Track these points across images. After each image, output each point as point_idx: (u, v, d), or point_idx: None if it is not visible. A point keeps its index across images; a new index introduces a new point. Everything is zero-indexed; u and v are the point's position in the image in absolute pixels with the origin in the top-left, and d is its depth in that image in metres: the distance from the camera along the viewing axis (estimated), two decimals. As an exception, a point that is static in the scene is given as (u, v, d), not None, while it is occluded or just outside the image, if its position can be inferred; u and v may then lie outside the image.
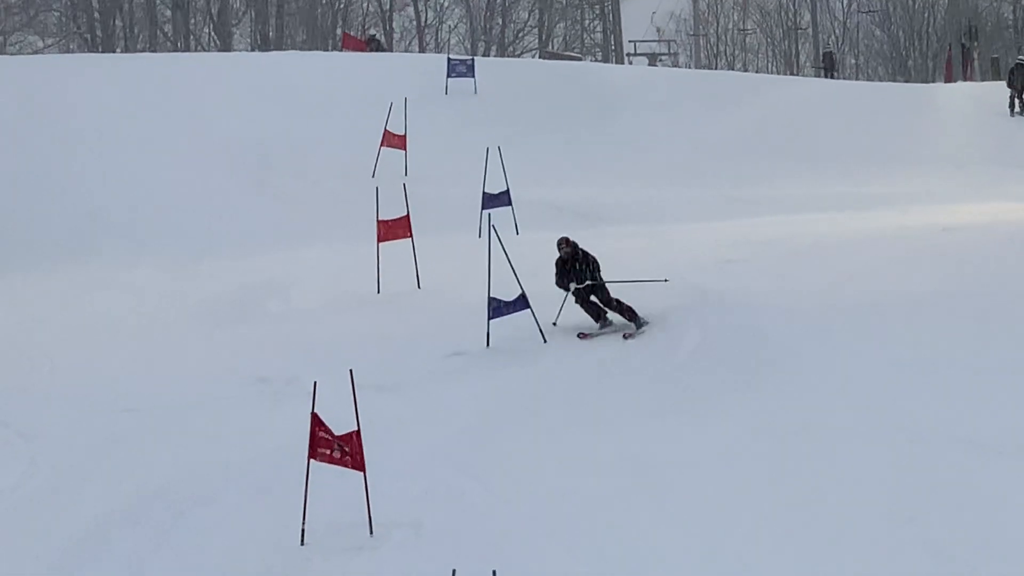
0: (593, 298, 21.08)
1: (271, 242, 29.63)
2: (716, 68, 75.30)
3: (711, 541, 13.83)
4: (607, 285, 21.04)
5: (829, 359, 18.58)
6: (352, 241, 27.67)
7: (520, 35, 76.02)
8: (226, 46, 68.11)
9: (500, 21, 75.01)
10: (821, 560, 13.34)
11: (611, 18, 76.74)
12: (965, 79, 56.38)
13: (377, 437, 15.41)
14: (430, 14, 75.28)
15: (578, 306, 21.13)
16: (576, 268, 21.08)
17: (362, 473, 14.38)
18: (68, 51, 65.91)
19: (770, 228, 28.57)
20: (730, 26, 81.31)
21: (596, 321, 20.99)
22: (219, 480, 16.38)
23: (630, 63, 72.67)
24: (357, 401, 14.37)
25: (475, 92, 40.68)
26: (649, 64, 72.49)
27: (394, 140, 33.87)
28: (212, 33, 70.72)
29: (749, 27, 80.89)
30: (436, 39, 75.00)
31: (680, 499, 14.82)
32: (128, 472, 16.89)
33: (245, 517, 15.27)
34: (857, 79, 71.11)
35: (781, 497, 14.59)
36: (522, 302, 20.65)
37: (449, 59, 42.58)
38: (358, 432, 14.36)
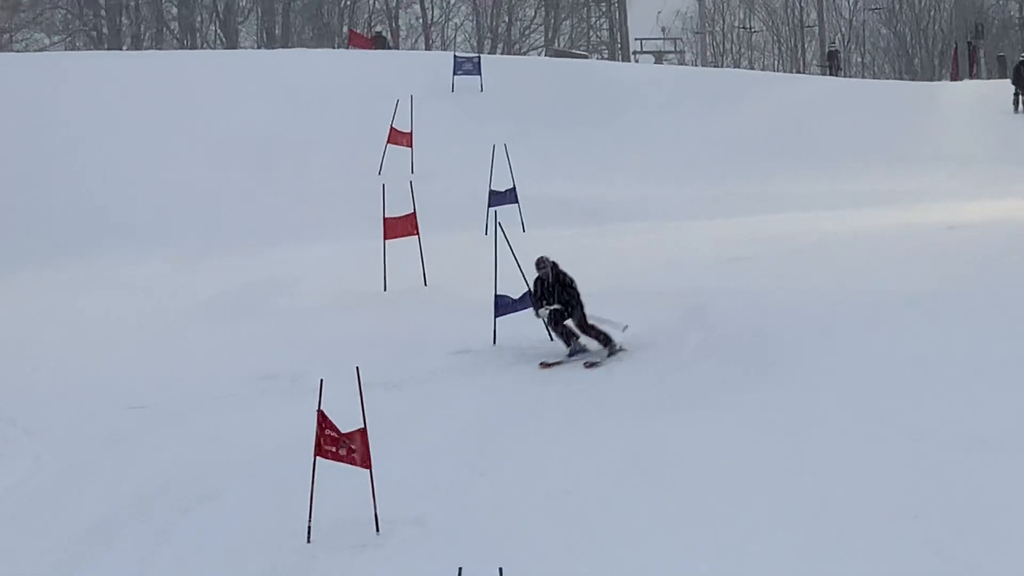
0: (569, 322, 19.98)
1: (276, 239, 29.67)
2: (722, 66, 75.37)
3: (714, 538, 13.83)
4: (584, 309, 19.87)
5: (831, 357, 18.54)
6: (358, 238, 27.69)
7: (526, 33, 76.10)
8: (232, 43, 68.26)
9: (507, 19, 75.05)
10: (823, 558, 13.34)
11: (617, 16, 76.85)
12: (971, 77, 56.36)
13: (383, 434, 15.39)
14: (436, 11, 75.40)
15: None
16: (550, 290, 19.97)
17: (368, 470, 14.39)
18: (74, 48, 66.01)
19: (774, 226, 28.58)
20: (736, 24, 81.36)
21: (567, 346, 19.93)
22: (224, 477, 16.37)
23: (636, 61, 72.84)
24: (363, 399, 14.38)
25: (481, 90, 40.74)
26: (655, 62, 72.63)
27: (400, 137, 33.90)
28: (218, 30, 70.84)
29: (755, 25, 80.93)
30: (442, 36, 75.10)
31: (683, 497, 14.82)
32: (132, 469, 16.89)
33: (250, 514, 15.27)
34: (863, 77, 71.10)
35: (783, 495, 14.59)
36: (529, 299, 20.61)
37: (455, 57, 42.68)
38: (364, 429, 14.37)
